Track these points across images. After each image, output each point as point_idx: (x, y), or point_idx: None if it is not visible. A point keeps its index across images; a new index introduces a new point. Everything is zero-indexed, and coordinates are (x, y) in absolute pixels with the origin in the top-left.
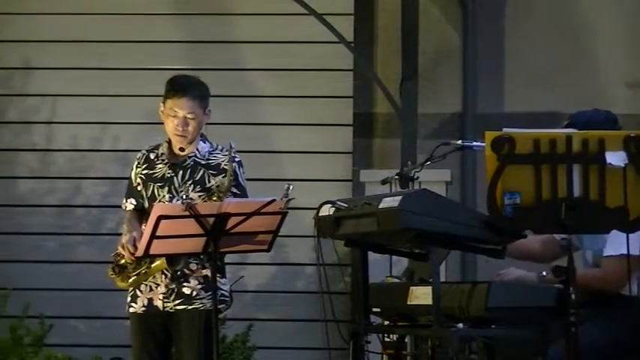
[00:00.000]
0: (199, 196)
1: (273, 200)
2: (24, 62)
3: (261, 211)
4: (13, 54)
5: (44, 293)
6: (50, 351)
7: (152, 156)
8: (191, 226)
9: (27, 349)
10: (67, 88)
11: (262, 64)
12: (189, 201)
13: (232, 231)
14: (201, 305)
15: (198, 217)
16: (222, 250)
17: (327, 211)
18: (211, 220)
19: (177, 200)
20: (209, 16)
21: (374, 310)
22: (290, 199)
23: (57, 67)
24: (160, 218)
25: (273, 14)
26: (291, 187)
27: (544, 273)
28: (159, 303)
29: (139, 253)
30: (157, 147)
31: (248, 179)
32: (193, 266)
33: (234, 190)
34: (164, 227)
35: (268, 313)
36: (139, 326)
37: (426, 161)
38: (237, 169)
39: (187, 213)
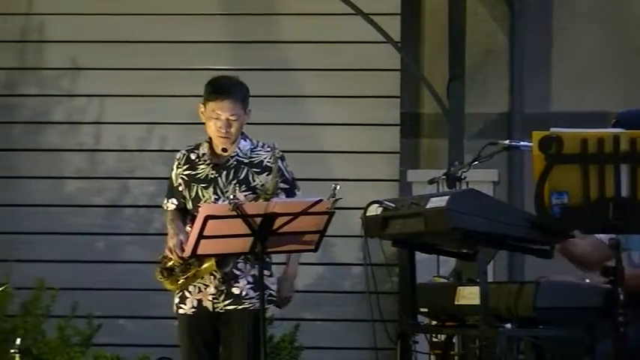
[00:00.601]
0: (245, 195)
1: (320, 200)
2: (71, 63)
3: (308, 211)
4: (60, 54)
5: (92, 293)
6: (98, 351)
7: (193, 156)
8: (238, 226)
9: (75, 349)
10: (114, 89)
11: (309, 64)
12: (236, 201)
13: (279, 231)
14: (250, 305)
15: (246, 217)
16: (269, 250)
17: (374, 210)
18: (258, 220)
19: (224, 201)
20: (255, 17)
21: (421, 310)
22: (337, 199)
23: (104, 68)
24: (207, 218)
25: (320, 14)
26: (338, 187)
27: (587, 281)
28: (208, 304)
29: (187, 253)
30: (197, 147)
31: (297, 179)
32: (242, 266)
33: (282, 185)
34: (211, 227)
35: (315, 313)
36: (188, 326)
37: (474, 161)
38: (280, 165)
39: (234, 213)
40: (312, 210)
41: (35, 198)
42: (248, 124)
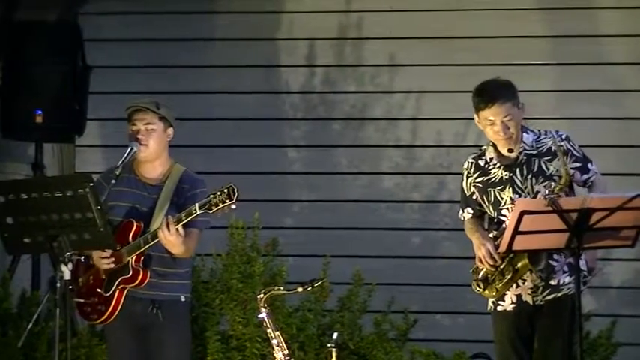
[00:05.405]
0: (544, 186)
1: (638, 195)
2: (389, 59)
3: (626, 206)
4: (378, 51)
5: (408, 288)
6: (414, 346)
7: (481, 163)
8: (553, 222)
9: (391, 344)
10: (431, 85)
11: (627, 57)
12: (552, 196)
13: (596, 226)
14: (569, 290)
15: (561, 213)
16: (585, 246)
17: None
18: (574, 215)
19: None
20: (572, 11)
21: None
22: None
23: (421, 64)
24: (522, 214)
25: (637, 7)
26: None
27: None
28: (528, 298)
29: (502, 249)
30: (482, 153)
31: (614, 174)
32: (557, 257)
33: (575, 164)
34: (526, 223)
35: (633, 309)
36: (507, 323)
37: None
38: (567, 145)
39: (550, 208)
40: (629, 205)
41: (353, 193)
42: (562, 118)
